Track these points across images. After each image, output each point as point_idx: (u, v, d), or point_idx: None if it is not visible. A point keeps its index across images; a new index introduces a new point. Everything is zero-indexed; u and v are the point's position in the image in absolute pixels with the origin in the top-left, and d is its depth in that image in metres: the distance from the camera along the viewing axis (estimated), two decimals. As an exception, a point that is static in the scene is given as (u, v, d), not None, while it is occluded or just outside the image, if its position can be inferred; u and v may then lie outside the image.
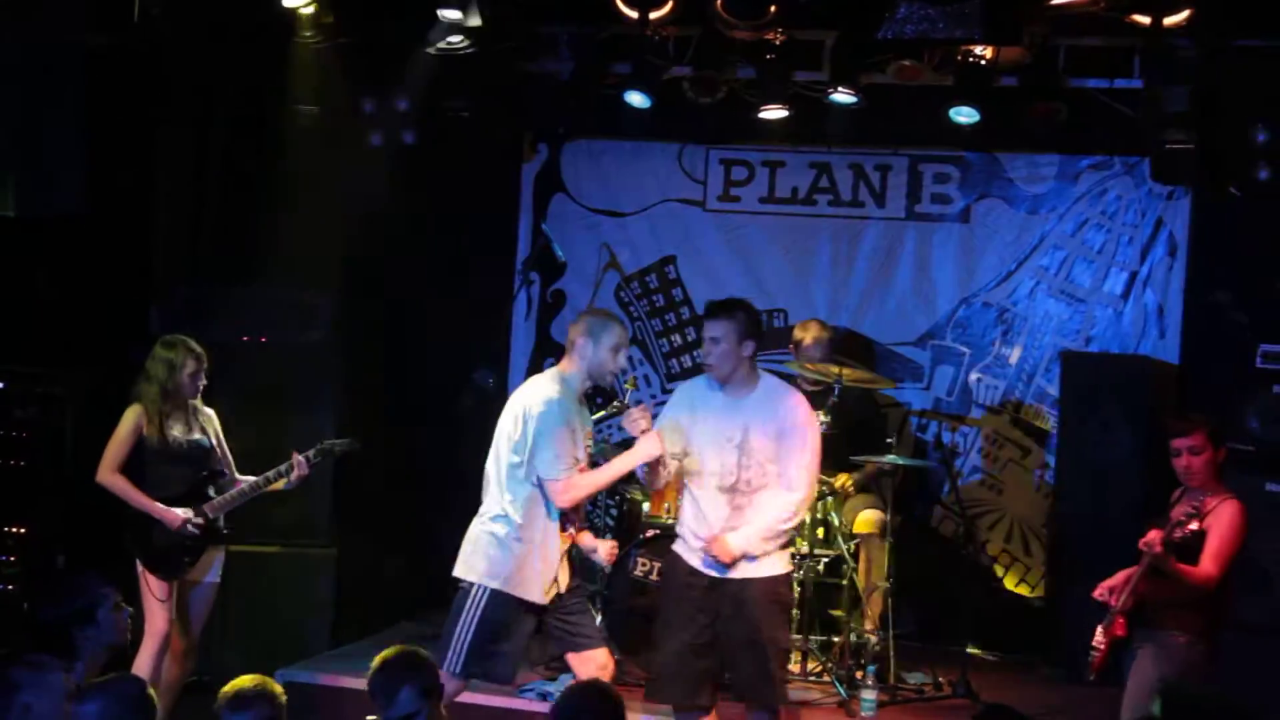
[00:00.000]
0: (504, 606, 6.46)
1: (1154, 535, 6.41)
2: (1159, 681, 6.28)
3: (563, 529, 6.54)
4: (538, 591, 6.48)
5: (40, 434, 8.53)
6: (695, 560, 6.60)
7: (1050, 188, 9.65)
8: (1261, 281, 8.73)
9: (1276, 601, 7.54)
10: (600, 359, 6.52)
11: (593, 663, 6.51)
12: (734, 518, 6.53)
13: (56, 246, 8.66)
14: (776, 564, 6.62)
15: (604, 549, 6.70)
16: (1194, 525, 6.38)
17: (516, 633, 6.50)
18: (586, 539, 6.73)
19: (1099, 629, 6.64)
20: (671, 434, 6.56)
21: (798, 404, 6.66)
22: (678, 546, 6.73)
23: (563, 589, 6.57)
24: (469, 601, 6.49)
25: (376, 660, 5.54)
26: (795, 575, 8.31)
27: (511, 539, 6.47)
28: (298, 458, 7.51)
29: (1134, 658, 6.57)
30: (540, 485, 6.44)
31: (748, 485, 6.54)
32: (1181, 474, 6.64)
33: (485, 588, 6.47)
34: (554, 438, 6.40)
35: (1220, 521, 6.46)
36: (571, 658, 6.59)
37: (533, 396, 6.50)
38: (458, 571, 6.57)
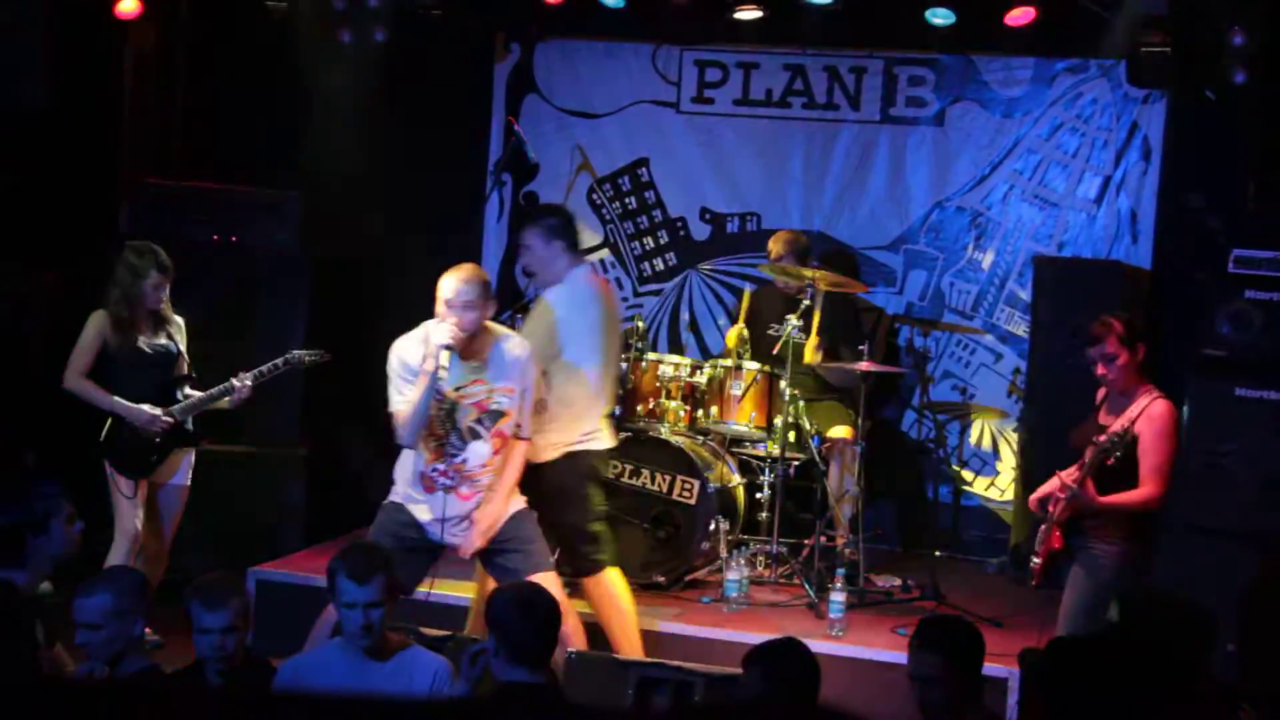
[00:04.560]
0: (387, 516, 6.49)
1: (1069, 475, 6.39)
2: (1094, 591, 6.35)
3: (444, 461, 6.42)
4: (404, 501, 6.49)
5: (8, 333, 8.49)
6: None
7: (1025, 91, 9.60)
8: (1235, 186, 8.71)
9: (1244, 506, 7.57)
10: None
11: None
12: None
13: (23, 143, 8.58)
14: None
15: (468, 542, 6.47)
16: (1118, 454, 6.35)
17: (404, 547, 6.32)
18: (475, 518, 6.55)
19: (1037, 539, 6.68)
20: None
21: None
22: None
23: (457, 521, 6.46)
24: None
25: (349, 545, 5.55)
26: (766, 479, 8.37)
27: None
28: (239, 382, 7.46)
29: (1070, 566, 6.62)
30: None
31: None
32: (1101, 381, 6.62)
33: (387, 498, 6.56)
34: (392, 391, 6.33)
35: (1151, 429, 6.45)
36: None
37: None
38: None
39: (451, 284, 6.23)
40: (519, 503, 6.59)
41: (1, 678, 5.00)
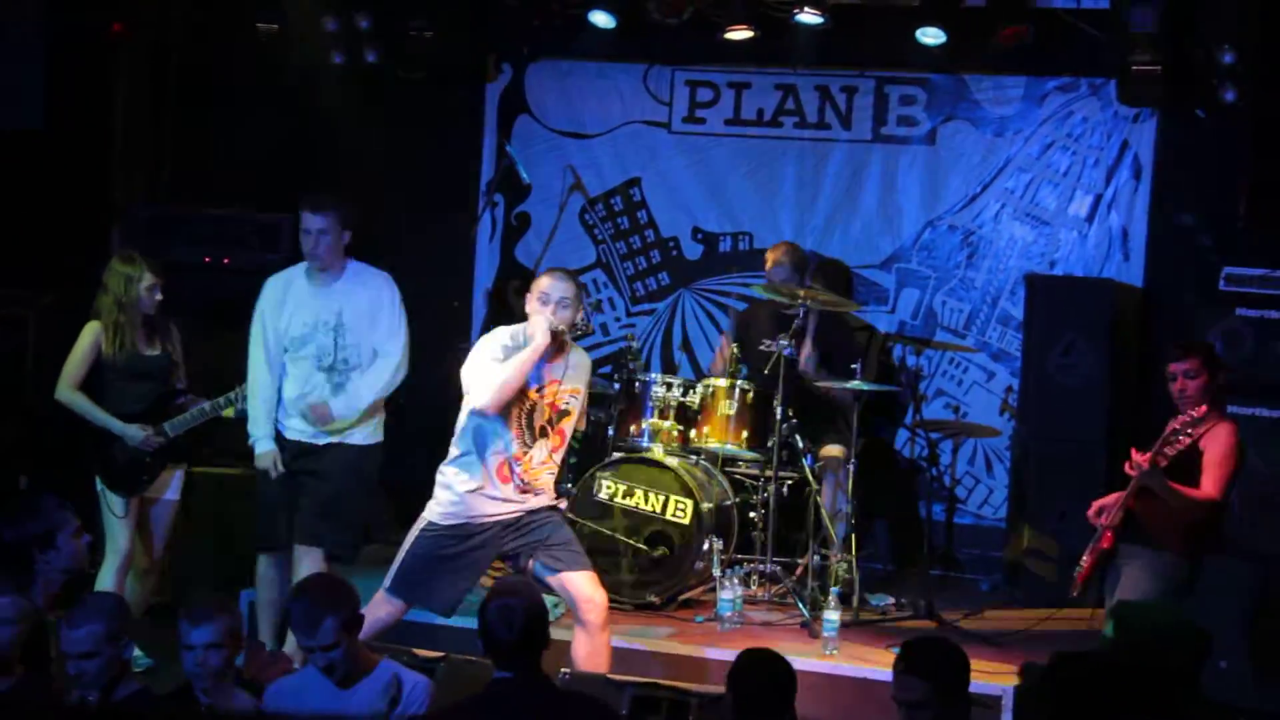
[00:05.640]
0: (433, 540, 6.48)
1: (1141, 457, 6.46)
2: (1150, 593, 6.37)
3: (511, 459, 6.48)
4: (465, 515, 6.48)
5: (1, 353, 8.48)
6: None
7: (1016, 110, 9.62)
8: (1226, 204, 8.73)
9: (1237, 523, 7.58)
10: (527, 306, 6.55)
11: (574, 588, 6.50)
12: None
13: (16, 164, 8.58)
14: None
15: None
16: (1185, 439, 6.43)
17: (451, 568, 6.49)
18: None
19: (1089, 547, 6.71)
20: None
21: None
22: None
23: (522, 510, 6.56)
24: (411, 530, 6.58)
25: (296, 587, 5.57)
26: (759, 498, 8.36)
27: (449, 471, 6.52)
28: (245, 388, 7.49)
29: (1117, 573, 6.63)
30: (478, 415, 6.45)
31: (344, 364, 7.16)
32: (1176, 398, 6.68)
33: (423, 520, 6.54)
34: (476, 367, 6.42)
35: (1217, 443, 6.53)
36: (553, 582, 6.54)
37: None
38: None
39: (552, 283, 6.48)
40: (559, 503, 6.71)
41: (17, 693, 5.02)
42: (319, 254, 7.15)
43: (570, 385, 6.58)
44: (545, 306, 6.43)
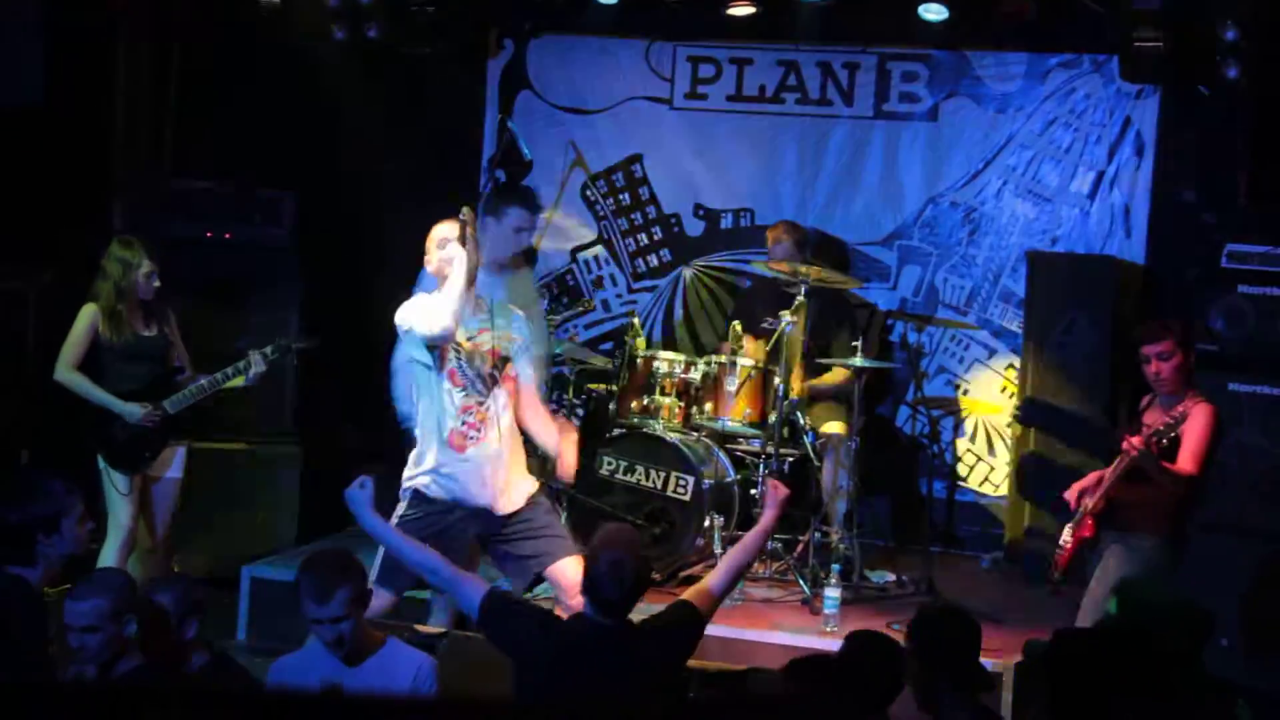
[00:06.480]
0: (409, 527, 6.34)
1: (1136, 439, 6.44)
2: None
3: (470, 415, 6.40)
4: (451, 491, 6.40)
5: (1, 330, 8.48)
6: None
7: (1018, 86, 9.59)
8: (1228, 181, 8.72)
9: (1235, 500, 7.60)
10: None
11: (562, 576, 6.42)
12: None
13: (16, 140, 8.57)
14: None
15: (564, 464, 6.64)
16: (1174, 434, 6.43)
17: (438, 545, 6.32)
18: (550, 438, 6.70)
19: (1066, 528, 6.71)
20: None
21: None
22: None
23: (504, 498, 6.47)
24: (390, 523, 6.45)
25: (306, 559, 5.55)
26: (760, 475, 8.36)
27: (417, 435, 6.48)
28: (254, 355, 7.51)
29: (1099, 559, 6.64)
30: (429, 367, 6.36)
31: None
32: (1151, 380, 6.66)
33: (396, 515, 6.40)
34: (415, 307, 6.36)
35: (1195, 424, 6.51)
36: (547, 575, 6.50)
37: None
38: None
39: (444, 225, 6.46)
40: (533, 484, 6.60)
41: (16, 674, 5.04)
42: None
43: (503, 332, 6.49)
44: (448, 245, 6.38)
